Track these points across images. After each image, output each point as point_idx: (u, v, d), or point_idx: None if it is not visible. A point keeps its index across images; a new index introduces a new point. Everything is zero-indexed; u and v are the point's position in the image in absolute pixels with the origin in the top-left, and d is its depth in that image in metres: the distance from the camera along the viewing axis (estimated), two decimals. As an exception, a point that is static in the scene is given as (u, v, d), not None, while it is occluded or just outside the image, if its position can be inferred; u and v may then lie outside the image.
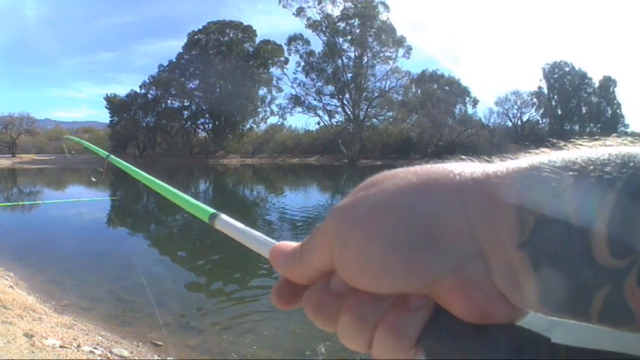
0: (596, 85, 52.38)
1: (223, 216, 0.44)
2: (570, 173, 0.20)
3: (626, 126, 57.27)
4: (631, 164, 0.19)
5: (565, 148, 0.23)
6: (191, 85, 40.24)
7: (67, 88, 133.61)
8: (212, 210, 0.47)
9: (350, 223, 0.23)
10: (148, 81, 40.06)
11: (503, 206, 0.21)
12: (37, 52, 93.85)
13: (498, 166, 0.22)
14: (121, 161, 1.07)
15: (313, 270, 0.25)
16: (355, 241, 0.23)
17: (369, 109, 39.41)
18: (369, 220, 0.23)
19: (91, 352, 3.10)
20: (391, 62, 39.34)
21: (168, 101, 40.27)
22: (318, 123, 40.37)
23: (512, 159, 0.23)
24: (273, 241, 0.33)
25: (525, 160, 0.22)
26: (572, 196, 0.19)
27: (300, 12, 39.01)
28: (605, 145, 0.22)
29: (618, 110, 54.85)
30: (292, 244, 0.28)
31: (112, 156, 1.30)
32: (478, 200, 0.21)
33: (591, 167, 0.20)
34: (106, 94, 40.85)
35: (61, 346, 3.07)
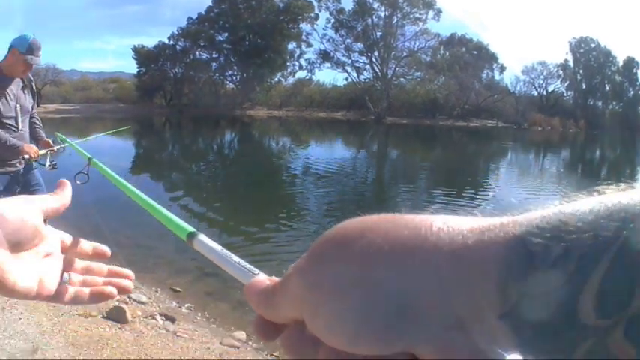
0: (620, 64, 52.27)
1: (202, 236, 0.40)
2: (560, 245, 0.18)
3: (646, 108, 57.19)
4: (624, 231, 0.17)
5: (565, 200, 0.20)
6: (220, 37, 40.32)
7: (95, 40, 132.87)
8: (190, 228, 0.43)
9: (318, 295, 0.21)
10: (176, 33, 40.16)
11: (482, 277, 0.19)
12: (65, 4, 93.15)
13: (481, 230, 0.20)
14: (103, 166, 1.01)
15: (285, 317, 0.24)
16: (325, 314, 0.21)
17: (397, 68, 39.44)
18: (338, 295, 0.21)
19: None
20: (421, 24, 39.33)
21: (197, 53, 40.36)
22: (346, 79, 40.46)
23: (496, 217, 0.20)
24: (253, 269, 0.30)
25: (510, 225, 0.20)
26: (560, 271, 0.18)
27: (331, -31, 39.05)
28: (604, 194, 0.19)
29: (640, 92, 54.79)
30: (268, 282, 0.26)
31: (95, 160, 1.30)
32: (455, 271, 0.20)
33: (585, 235, 0.18)
34: (134, 45, 40.94)
35: None
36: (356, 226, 0.22)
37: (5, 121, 2.55)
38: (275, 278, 0.26)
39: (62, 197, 0.43)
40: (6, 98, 2.53)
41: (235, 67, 40.10)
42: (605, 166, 19.75)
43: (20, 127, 2.62)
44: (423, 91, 39.03)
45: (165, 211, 0.52)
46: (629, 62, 53.61)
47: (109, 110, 40.94)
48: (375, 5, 39.84)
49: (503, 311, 0.19)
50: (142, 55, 40.57)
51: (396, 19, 39.69)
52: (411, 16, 39.59)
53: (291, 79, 40.81)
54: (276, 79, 40.24)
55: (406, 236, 0.21)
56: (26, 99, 2.72)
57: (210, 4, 41.15)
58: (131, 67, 43.60)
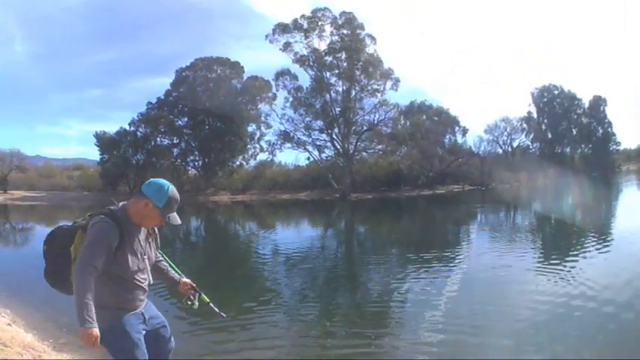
0: (586, 105, 52.58)
1: None
2: None
3: (618, 144, 57.42)
4: None
5: None
6: (180, 122, 40.31)
7: (57, 124, 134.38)
8: None
9: None
10: (137, 118, 40.21)
11: None
12: (26, 88, 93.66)
13: None
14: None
15: None
16: None
17: (359, 143, 39.41)
18: None
19: None
20: (379, 95, 39.38)
21: (158, 139, 40.32)
22: (308, 158, 40.35)
23: None
24: None
25: None
26: None
27: (287, 47, 39.10)
28: None
29: (609, 129, 54.99)
30: None
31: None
32: None
33: None
34: (96, 132, 40.88)
35: None
36: None
37: (136, 277, 2.19)
38: None
39: None
40: (135, 252, 2.18)
41: (197, 152, 40.05)
42: (574, 212, 19.63)
43: (149, 282, 2.29)
44: (385, 163, 39.01)
45: None
46: (596, 101, 53.97)
47: (74, 198, 40.75)
48: (333, 80, 39.99)
49: None
50: (104, 141, 40.48)
51: (354, 93, 39.78)
52: (369, 87, 39.68)
53: (252, 162, 40.87)
54: (237, 162, 40.24)
55: None
56: (152, 249, 2.35)
57: (169, 87, 41.32)
58: (93, 153, 43.50)
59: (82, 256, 2.02)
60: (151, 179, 2.20)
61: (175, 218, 2.18)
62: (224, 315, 2.50)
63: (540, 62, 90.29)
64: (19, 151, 45.17)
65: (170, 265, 2.48)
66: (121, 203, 2.25)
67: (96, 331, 1.98)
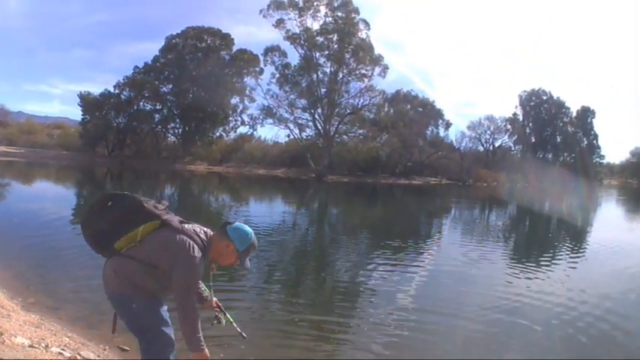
0: (574, 115, 52.89)
1: None
2: None
3: (602, 157, 57.85)
4: None
5: None
6: (164, 88, 40.13)
7: (42, 82, 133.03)
8: None
9: None
10: (122, 81, 39.88)
11: None
12: (15, 44, 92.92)
13: None
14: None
15: None
16: None
17: (340, 125, 39.47)
18: None
19: (60, 353, 3.05)
20: (366, 80, 39.49)
21: (141, 103, 40.09)
22: (288, 136, 40.41)
23: None
24: None
25: None
26: None
27: (279, 23, 39.12)
28: None
29: (595, 141, 55.41)
30: None
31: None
32: None
33: None
34: (80, 92, 40.58)
35: (30, 346, 3.03)
36: None
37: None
38: None
39: None
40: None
41: (178, 120, 39.90)
42: (549, 219, 19.67)
43: None
44: (365, 149, 39.07)
45: None
46: (584, 112, 54.32)
47: (52, 157, 40.44)
48: (322, 60, 40.04)
49: None
50: (87, 102, 40.16)
51: (341, 75, 39.86)
52: (357, 72, 39.78)
53: (232, 135, 40.76)
54: (217, 133, 40.13)
55: None
56: None
57: (158, 53, 41.13)
58: (76, 113, 43.13)
59: (187, 283, 2.11)
60: (237, 224, 2.29)
61: (247, 262, 2.30)
62: (245, 335, 2.52)
63: (529, 64, 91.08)
64: (3, 106, 44.96)
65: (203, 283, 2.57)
66: (194, 226, 2.27)
67: (207, 352, 2.14)
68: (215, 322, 2.48)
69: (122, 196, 2.22)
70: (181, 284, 2.08)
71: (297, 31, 39.17)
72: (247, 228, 2.29)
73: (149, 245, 2.13)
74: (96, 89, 47.42)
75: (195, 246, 2.12)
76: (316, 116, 39.27)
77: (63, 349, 3.14)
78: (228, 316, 2.46)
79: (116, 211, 2.18)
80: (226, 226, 2.26)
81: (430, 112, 41.72)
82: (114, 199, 2.22)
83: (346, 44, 39.15)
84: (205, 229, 2.29)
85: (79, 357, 3.10)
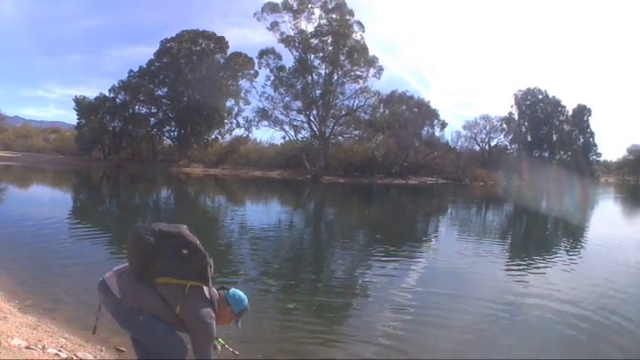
0: (570, 113, 52.98)
1: None
2: None
3: (599, 155, 57.90)
4: None
5: None
6: (160, 92, 40.24)
7: (38, 87, 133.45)
8: None
9: None
10: (117, 85, 40.01)
11: None
12: (11, 49, 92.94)
13: None
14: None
15: None
16: None
17: (336, 127, 39.53)
18: None
19: (57, 354, 3.09)
20: (361, 81, 39.55)
21: (136, 107, 40.17)
22: (284, 137, 40.44)
23: None
24: None
25: None
26: None
27: (274, 26, 39.16)
28: None
29: (591, 139, 55.48)
30: None
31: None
32: None
33: None
34: (75, 96, 40.65)
35: (26, 347, 3.05)
36: None
37: None
38: None
39: None
40: None
41: (173, 123, 39.96)
42: (545, 219, 19.62)
43: None
44: (360, 149, 39.09)
45: None
46: (580, 110, 54.40)
47: (48, 161, 40.54)
48: (316, 62, 40.09)
49: None
50: (82, 106, 40.24)
51: (336, 77, 39.90)
52: (352, 73, 39.84)
53: (228, 137, 40.81)
54: (213, 136, 40.20)
55: None
56: None
57: (152, 57, 41.21)
58: (72, 117, 43.23)
59: (208, 344, 2.39)
60: (233, 290, 2.61)
61: (240, 322, 2.63)
62: (237, 353, 2.76)
63: (525, 63, 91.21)
64: (0, 111, 45.06)
65: None
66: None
67: None
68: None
69: (199, 252, 2.39)
70: (210, 329, 2.37)
71: (292, 33, 39.28)
72: (242, 294, 2.61)
73: (184, 301, 2.34)
74: (91, 93, 47.48)
75: (214, 317, 2.43)
76: (311, 118, 39.36)
77: (60, 351, 3.18)
78: (219, 339, 2.64)
79: (188, 264, 2.36)
80: (224, 291, 2.57)
81: (425, 113, 41.80)
82: (190, 250, 2.37)
83: (341, 46, 39.20)
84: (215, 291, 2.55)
85: (75, 358, 3.14)
